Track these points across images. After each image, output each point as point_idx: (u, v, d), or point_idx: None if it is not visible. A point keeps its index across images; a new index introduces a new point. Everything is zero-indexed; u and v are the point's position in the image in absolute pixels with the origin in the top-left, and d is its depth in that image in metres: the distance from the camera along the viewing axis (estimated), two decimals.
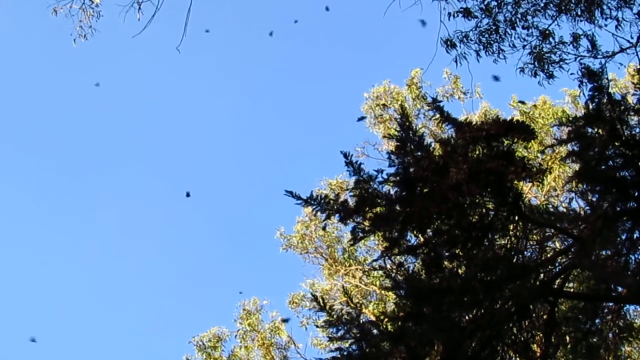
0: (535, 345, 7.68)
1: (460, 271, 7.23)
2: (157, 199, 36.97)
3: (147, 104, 37.54)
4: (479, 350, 6.99)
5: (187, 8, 11.85)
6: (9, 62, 33.76)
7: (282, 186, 7.19)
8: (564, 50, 11.10)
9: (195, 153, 38.09)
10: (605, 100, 7.36)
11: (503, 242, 7.42)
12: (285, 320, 20.83)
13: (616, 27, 10.81)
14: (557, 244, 8.76)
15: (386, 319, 7.43)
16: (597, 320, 8.33)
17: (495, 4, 11.30)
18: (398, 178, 7.23)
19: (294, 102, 37.33)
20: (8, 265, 33.61)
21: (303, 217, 21.68)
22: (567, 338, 8.56)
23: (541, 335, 7.59)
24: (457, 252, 7.20)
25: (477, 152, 7.18)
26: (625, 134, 7.22)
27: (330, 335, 7.22)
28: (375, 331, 7.11)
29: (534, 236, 7.72)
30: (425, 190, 7.16)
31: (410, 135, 7.35)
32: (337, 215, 7.30)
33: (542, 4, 11.15)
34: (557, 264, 7.59)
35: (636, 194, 7.29)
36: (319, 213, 7.41)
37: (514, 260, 7.28)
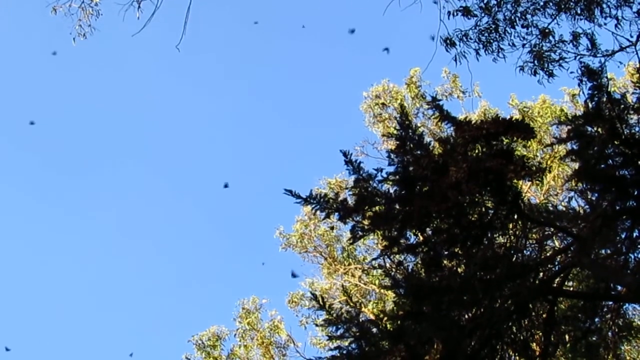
0: (534, 344, 7.69)
1: (459, 270, 7.22)
2: (157, 197, 37.01)
3: (146, 102, 37.55)
4: (479, 349, 6.99)
5: (187, 7, 11.84)
6: (8, 61, 33.73)
7: (281, 185, 7.20)
8: (564, 48, 11.10)
9: (195, 152, 38.10)
10: (604, 99, 7.36)
11: (502, 240, 7.42)
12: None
13: (616, 25, 10.81)
14: (557, 243, 8.77)
15: (385, 318, 7.43)
16: (596, 319, 8.33)
17: (495, 2, 11.30)
18: (397, 177, 7.23)
19: (293, 101, 37.34)
20: (7, 264, 33.61)
21: (302, 216, 21.71)
22: (567, 337, 8.56)
23: (541, 334, 7.59)
24: (456, 250, 7.20)
25: (477, 151, 7.18)
26: (625, 132, 7.21)
27: (329, 334, 7.22)
28: (374, 330, 7.11)
29: (534, 235, 7.72)
30: (424, 189, 7.15)
31: (410, 134, 7.35)
32: (336, 214, 7.30)
33: (541, 3, 11.15)
34: (556, 263, 7.59)
35: (636, 192, 7.29)
36: (318, 212, 7.41)
37: (514, 259, 7.28)
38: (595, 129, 7.33)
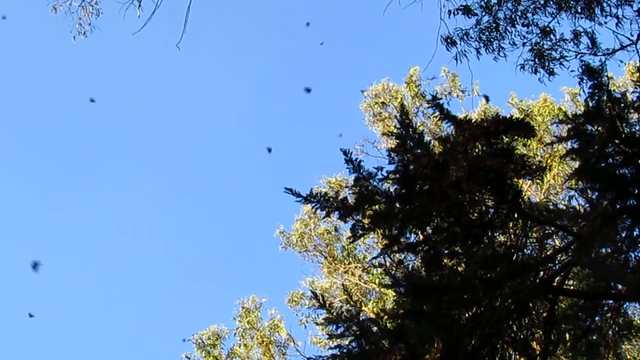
0: (535, 343, 7.68)
1: (459, 269, 7.22)
2: (157, 196, 37.00)
3: (147, 101, 37.52)
4: (479, 348, 6.99)
5: (187, 5, 11.84)
6: (8, 60, 33.72)
7: (281, 184, 7.17)
8: (565, 47, 11.10)
9: (195, 150, 38.09)
10: (605, 98, 7.36)
11: (503, 239, 7.42)
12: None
13: (616, 24, 10.81)
14: (557, 242, 8.77)
15: (386, 317, 7.43)
16: (596, 318, 8.33)
17: (496, 1, 11.29)
18: (398, 175, 7.22)
19: (293, 100, 37.32)
20: (7, 263, 33.60)
21: (302, 216, 21.71)
22: (567, 335, 8.56)
23: (541, 332, 7.59)
24: (456, 249, 7.20)
25: (477, 150, 7.17)
26: (625, 131, 7.21)
27: (330, 333, 7.22)
28: (374, 328, 7.11)
29: (534, 234, 7.72)
30: (424, 188, 7.15)
31: (410, 132, 7.35)
32: (336, 212, 7.30)
33: (542, 1, 11.14)
34: (556, 262, 7.59)
35: (636, 191, 7.28)
36: (318, 210, 7.41)
37: (514, 257, 7.28)
38: (595, 127, 7.33)
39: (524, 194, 7.79)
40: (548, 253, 7.76)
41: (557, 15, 11.13)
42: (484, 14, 11.39)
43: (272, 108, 36.94)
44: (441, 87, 22.40)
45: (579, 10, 10.95)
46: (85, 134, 37.48)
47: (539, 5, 11.18)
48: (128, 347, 31.69)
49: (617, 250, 7.68)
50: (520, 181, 7.86)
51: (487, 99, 21.34)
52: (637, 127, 7.37)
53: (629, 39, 10.68)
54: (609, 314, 8.42)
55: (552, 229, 7.77)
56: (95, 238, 37.09)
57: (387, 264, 7.83)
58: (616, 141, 7.22)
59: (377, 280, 19.54)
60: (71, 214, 36.65)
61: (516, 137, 7.22)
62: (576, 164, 8.38)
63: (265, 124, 36.76)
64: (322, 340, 18.85)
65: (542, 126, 20.03)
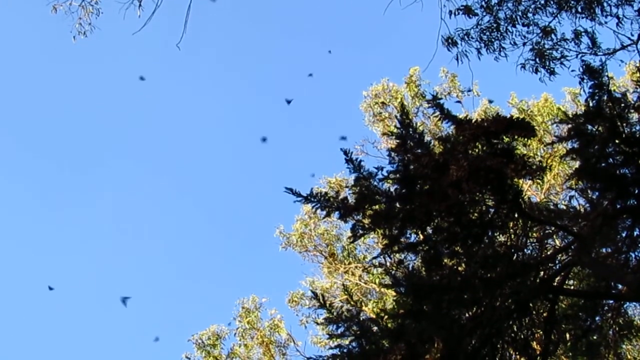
0: (535, 343, 7.68)
1: (460, 268, 7.22)
2: (157, 196, 37.00)
3: (147, 100, 37.51)
4: (479, 348, 6.99)
5: (187, 5, 11.84)
6: (9, 60, 33.73)
7: (281, 184, 7.17)
8: (566, 47, 11.10)
9: (195, 150, 38.09)
10: (605, 98, 7.36)
11: (503, 239, 7.41)
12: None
13: (617, 24, 10.81)
14: (557, 242, 8.77)
15: (386, 317, 7.43)
16: (597, 318, 8.33)
17: (496, 1, 11.29)
18: (398, 175, 7.22)
19: (293, 100, 37.24)
20: (6, 262, 33.62)
21: (302, 216, 21.72)
22: (567, 335, 8.56)
23: (541, 332, 7.59)
24: (457, 249, 7.20)
25: (477, 150, 7.17)
26: (625, 131, 7.21)
27: (330, 333, 7.22)
28: (375, 328, 7.11)
29: (534, 233, 7.72)
30: (425, 188, 7.15)
31: (410, 132, 7.35)
32: (337, 212, 7.30)
33: (542, 1, 11.14)
34: (557, 262, 7.59)
35: (636, 191, 7.29)
36: (318, 210, 7.41)
37: (514, 257, 7.28)
38: (595, 127, 7.33)
39: (524, 193, 7.79)
40: (548, 253, 7.76)
41: (558, 15, 11.14)
42: (484, 14, 11.40)
43: (273, 108, 36.95)
44: (440, 87, 22.41)
45: (580, 10, 10.95)
46: (86, 134, 37.50)
47: (539, 5, 11.18)
48: (128, 348, 31.70)
49: (617, 250, 7.68)
50: (521, 181, 7.86)
51: (490, 101, 21.34)
52: (638, 127, 7.37)
53: (629, 38, 10.70)
54: (610, 314, 8.42)
55: (553, 228, 7.77)
56: (95, 238, 37.09)
57: (388, 263, 7.83)
58: (616, 141, 7.22)
59: (377, 280, 19.54)
60: (71, 214, 36.67)
61: (516, 137, 7.22)
62: (576, 164, 8.37)
63: (265, 124, 36.75)
64: (322, 340, 18.87)
65: (543, 126, 20.03)
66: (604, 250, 7.84)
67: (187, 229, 37.63)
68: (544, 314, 7.51)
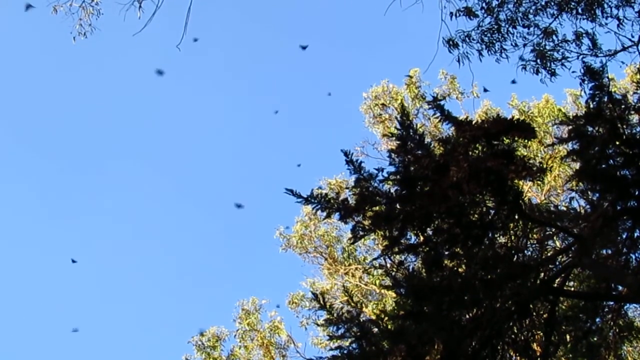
0: (535, 344, 7.68)
1: (460, 270, 7.22)
2: (157, 197, 37.01)
3: (148, 101, 37.53)
4: (479, 349, 6.99)
5: (188, 6, 11.85)
6: (9, 60, 33.75)
7: (281, 186, 7.17)
8: (567, 48, 11.10)
9: (195, 151, 38.10)
10: (606, 99, 7.36)
11: (503, 240, 7.41)
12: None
13: (618, 25, 10.82)
14: (558, 243, 8.76)
15: (386, 318, 7.43)
16: (597, 319, 8.33)
17: (497, 2, 11.29)
18: (398, 176, 7.22)
19: (293, 101, 37.32)
20: (7, 263, 33.63)
21: (302, 217, 21.72)
22: (568, 337, 8.55)
23: (541, 334, 7.58)
24: (457, 250, 7.20)
25: (478, 151, 7.17)
26: (626, 132, 7.21)
27: (330, 334, 7.22)
28: (375, 330, 7.11)
29: (535, 235, 7.72)
30: (425, 189, 7.15)
31: (411, 133, 7.35)
32: (337, 213, 7.30)
33: (543, 2, 11.15)
34: (557, 263, 7.58)
35: (636, 192, 7.28)
36: (319, 212, 7.41)
37: (514, 259, 7.28)
38: (596, 129, 7.33)
39: (524, 195, 7.79)
40: (549, 254, 7.75)
41: (559, 17, 11.14)
42: (485, 15, 11.40)
43: (273, 109, 36.93)
44: (440, 89, 22.39)
45: (580, 12, 10.95)
46: (86, 134, 37.52)
47: (540, 7, 11.19)
48: (128, 349, 31.70)
49: (617, 251, 7.68)
50: (521, 182, 7.86)
51: (485, 89, 21.21)
52: (638, 129, 7.37)
53: (630, 40, 10.70)
54: (610, 316, 8.42)
55: (553, 230, 7.77)
56: (95, 238, 37.10)
57: (388, 265, 7.83)
58: (617, 143, 7.22)
59: (377, 282, 19.55)
60: (71, 214, 36.67)
61: (517, 138, 7.22)
62: (577, 166, 8.37)
63: (266, 124, 36.79)
64: (323, 342, 18.86)
65: (543, 127, 20.03)
66: (604, 251, 7.84)
67: (187, 229, 37.63)
68: (544, 316, 7.50)
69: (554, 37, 11.14)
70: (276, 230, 21.90)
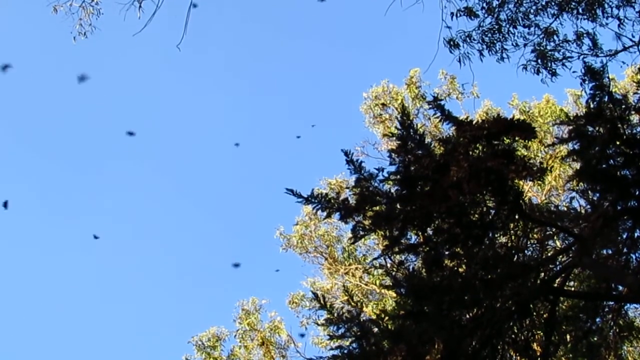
0: (535, 344, 7.68)
1: (460, 270, 7.22)
2: (157, 197, 37.00)
3: (148, 101, 37.52)
4: (479, 349, 6.99)
5: (188, 6, 11.85)
6: (8, 60, 33.67)
7: (281, 185, 7.17)
8: (567, 48, 11.10)
9: (196, 151, 38.08)
10: (606, 99, 7.36)
11: (504, 240, 7.41)
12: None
13: (618, 25, 10.82)
14: (558, 243, 8.77)
15: (386, 318, 7.43)
16: (597, 319, 8.33)
17: (497, 3, 11.29)
18: (399, 176, 7.22)
19: (293, 101, 37.32)
20: (7, 263, 33.63)
21: (302, 217, 21.72)
22: (568, 337, 8.56)
23: (542, 334, 7.59)
24: (457, 250, 7.20)
25: (478, 151, 7.17)
26: (626, 132, 7.21)
27: (330, 334, 7.22)
28: (375, 329, 7.11)
29: (535, 235, 7.72)
30: (425, 189, 7.15)
31: (411, 133, 7.35)
32: (337, 213, 7.30)
33: (543, 2, 11.15)
34: (557, 263, 7.59)
35: (637, 192, 7.28)
36: (319, 211, 7.41)
37: (515, 258, 7.28)
38: (596, 129, 7.33)
39: (525, 195, 7.79)
40: (549, 254, 7.76)
41: (559, 17, 11.14)
42: (486, 15, 11.40)
43: (273, 109, 36.94)
44: (440, 89, 22.38)
45: (581, 12, 10.95)
46: (86, 134, 37.52)
47: (540, 7, 11.19)
48: (128, 349, 31.71)
49: (618, 251, 7.69)
50: (521, 182, 7.87)
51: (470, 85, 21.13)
52: (638, 129, 7.37)
53: (630, 40, 10.71)
54: (610, 315, 8.42)
55: (553, 230, 7.78)
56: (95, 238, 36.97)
57: (388, 265, 7.83)
58: (617, 142, 7.22)
59: (377, 281, 19.55)
60: (71, 214, 36.68)
61: (517, 138, 7.22)
62: (577, 166, 8.37)
63: (265, 124, 36.77)
64: (323, 341, 18.87)
65: (544, 127, 20.03)
66: (604, 251, 7.84)
67: (187, 229, 37.62)
68: (545, 315, 7.51)
69: (554, 37, 11.14)
70: (276, 230, 21.93)
